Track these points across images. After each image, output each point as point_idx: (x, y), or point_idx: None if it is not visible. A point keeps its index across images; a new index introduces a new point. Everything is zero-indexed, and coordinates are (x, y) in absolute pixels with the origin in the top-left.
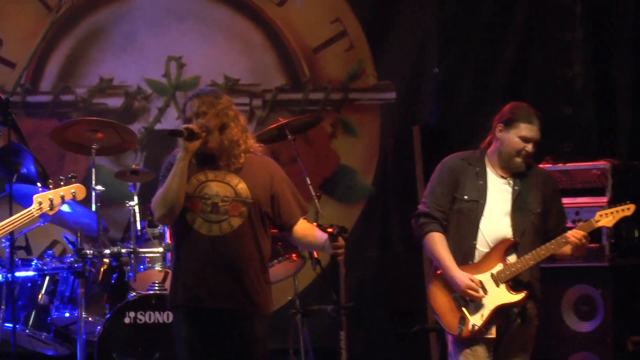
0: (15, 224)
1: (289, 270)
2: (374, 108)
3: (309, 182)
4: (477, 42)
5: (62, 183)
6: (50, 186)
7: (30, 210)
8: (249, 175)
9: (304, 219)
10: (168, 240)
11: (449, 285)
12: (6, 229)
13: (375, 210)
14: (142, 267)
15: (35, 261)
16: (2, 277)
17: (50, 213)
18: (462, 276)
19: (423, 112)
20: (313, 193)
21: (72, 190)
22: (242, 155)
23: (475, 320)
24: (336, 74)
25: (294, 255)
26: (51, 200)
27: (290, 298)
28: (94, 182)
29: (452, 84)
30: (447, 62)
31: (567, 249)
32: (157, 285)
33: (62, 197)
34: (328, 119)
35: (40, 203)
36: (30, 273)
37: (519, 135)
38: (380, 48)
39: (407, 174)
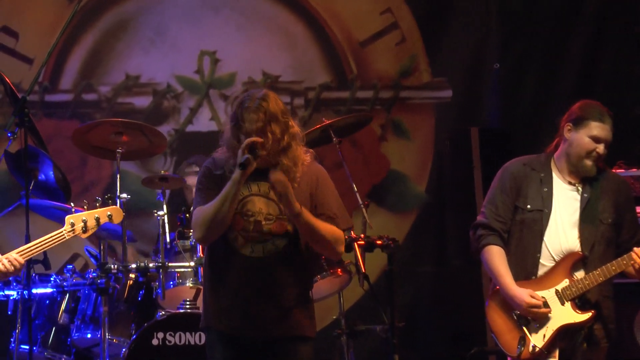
0: (43, 246)
1: (333, 286)
2: (428, 107)
3: (355, 189)
4: (542, 36)
5: (97, 204)
6: (85, 207)
7: (62, 232)
8: (295, 189)
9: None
10: (200, 254)
11: (507, 303)
12: (33, 250)
13: (429, 221)
14: (171, 283)
15: (54, 277)
16: (18, 294)
17: (83, 236)
18: (521, 293)
19: (482, 112)
20: (360, 201)
21: (109, 213)
22: (299, 172)
23: (537, 341)
24: (386, 70)
25: (339, 270)
26: (85, 223)
27: (335, 317)
28: (118, 190)
29: (515, 82)
30: (509, 57)
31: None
32: (188, 303)
33: (97, 220)
34: (377, 119)
35: (72, 225)
36: (49, 290)
37: (590, 134)
38: (435, 41)
39: (465, 180)
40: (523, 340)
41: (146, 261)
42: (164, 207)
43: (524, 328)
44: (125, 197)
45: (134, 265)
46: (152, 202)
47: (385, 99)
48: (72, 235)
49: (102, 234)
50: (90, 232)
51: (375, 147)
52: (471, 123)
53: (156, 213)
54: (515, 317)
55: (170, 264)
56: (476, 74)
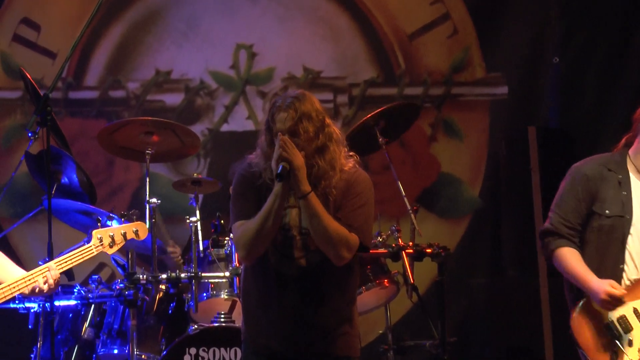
0: (72, 261)
1: (379, 298)
2: (482, 105)
3: (403, 193)
4: (606, 27)
5: (135, 217)
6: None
7: (90, 247)
8: (333, 195)
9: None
10: (236, 263)
11: (597, 314)
12: (62, 266)
13: (483, 227)
14: (204, 294)
15: (78, 288)
16: (39, 306)
17: (110, 252)
18: (601, 283)
19: (540, 110)
20: (409, 206)
21: (135, 229)
22: (336, 176)
23: (633, 354)
24: (437, 64)
25: (385, 280)
26: (112, 238)
27: (381, 332)
28: (148, 194)
29: (576, 77)
30: (570, 51)
31: None
32: (222, 316)
33: (124, 236)
34: (427, 118)
35: (100, 240)
36: (73, 302)
37: None
38: (490, 34)
39: (521, 184)
40: (616, 354)
41: (177, 271)
42: (197, 212)
43: (617, 342)
44: (155, 202)
45: (164, 276)
46: (184, 208)
47: (436, 96)
48: (100, 250)
49: (131, 245)
50: (116, 248)
51: (424, 148)
52: (529, 122)
53: (188, 219)
54: (606, 329)
55: (203, 274)
56: (534, 68)
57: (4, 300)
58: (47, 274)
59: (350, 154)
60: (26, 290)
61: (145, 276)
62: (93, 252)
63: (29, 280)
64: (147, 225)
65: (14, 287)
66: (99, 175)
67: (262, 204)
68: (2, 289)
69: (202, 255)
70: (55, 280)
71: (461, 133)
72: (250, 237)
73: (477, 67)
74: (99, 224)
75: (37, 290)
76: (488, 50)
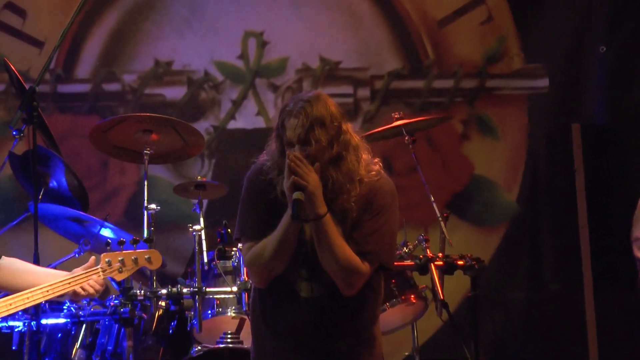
0: (78, 281)
1: (405, 316)
2: (520, 100)
3: (432, 198)
4: None
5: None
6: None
7: (98, 269)
8: (352, 211)
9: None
10: (244, 277)
11: None
12: (65, 286)
13: (521, 236)
14: (209, 312)
15: (67, 304)
16: (25, 325)
17: (118, 278)
18: None
19: (585, 104)
20: (438, 213)
21: (147, 256)
22: (355, 190)
23: None
24: (469, 54)
25: (412, 296)
26: (122, 262)
27: (407, 354)
28: (146, 200)
29: (625, 68)
30: (618, 39)
31: None
32: (229, 336)
33: (135, 262)
34: (458, 114)
35: (109, 263)
36: (62, 320)
37: None
38: (528, 20)
39: (564, 187)
40: None
41: (179, 286)
42: (201, 220)
43: None
44: (154, 208)
45: (164, 291)
46: (186, 215)
47: (468, 90)
48: (108, 275)
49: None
50: (126, 274)
51: (456, 148)
52: (572, 118)
53: (191, 228)
54: None
55: (208, 289)
56: (578, 58)
57: (48, 297)
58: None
59: (375, 160)
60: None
61: (142, 291)
62: (100, 276)
63: (80, 278)
64: (146, 235)
65: (60, 285)
66: (91, 179)
67: (276, 218)
68: (44, 288)
69: (206, 268)
70: (100, 284)
71: (496, 131)
72: (264, 263)
73: (514, 57)
74: (108, 247)
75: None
76: (527, 38)
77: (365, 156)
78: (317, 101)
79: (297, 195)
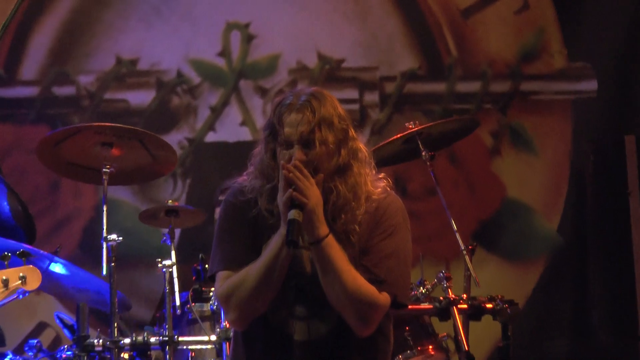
0: None
1: None
2: (563, 106)
3: (455, 227)
4: None
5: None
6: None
7: None
8: (357, 233)
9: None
10: (225, 324)
11: None
12: None
13: (563, 274)
14: None
15: (10, 357)
16: None
17: None
18: None
19: None
20: (462, 245)
21: (21, 274)
22: (361, 208)
23: None
24: (500, 50)
25: (430, 347)
26: (5, 283)
27: None
28: (105, 229)
29: None
30: None
31: None
32: None
33: (5, 283)
34: (487, 124)
35: None
36: None
37: None
38: (574, 10)
39: (616, 212)
40: None
41: (145, 334)
42: (173, 254)
43: None
44: (115, 240)
45: (127, 341)
46: (154, 247)
47: (499, 94)
48: None
49: (80, 297)
50: (8, 293)
51: (484, 165)
52: (625, 128)
53: (161, 263)
54: None
55: (181, 339)
56: (632, 57)
57: None
58: None
59: (380, 176)
60: None
61: (101, 341)
62: None
63: None
64: (105, 272)
65: None
66: (39, 203)
67: (258, 243)
68: None
69: (179, 312)
70: None
71: (534, 144)
72: (244, 297)
73: (555, 54)
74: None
75: None
76: (571, 32)
77: (371, 172)
78: (323, 97)
79: (293, 215)
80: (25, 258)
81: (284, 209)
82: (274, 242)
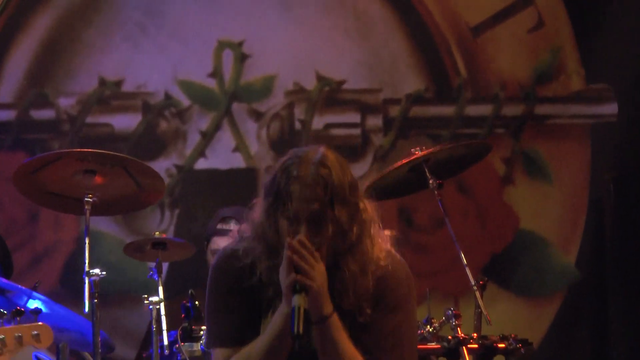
0: None
1: None
2: (580, 131)
3: (464, 261)
4: None
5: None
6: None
7: None
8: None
9: None
10: None
11: None
12: None
13: (582, 311)
14: None
15: None
16: None
17: None
18: None
19: None
20: (472, 280)
21: (35, 332)
22: (368, 283)
23: None
24: (513, 71)
25: None
26: (2, 341)
27: None
28: (87, 263)
29: None
30: None
31: None
32: None
33: (19, 340)
34: (499, 149)
35: None
36: None
37: None
38: (591, 29)
39: (639, 243)
40: None
41: None
42: (160, 290)
43: None
44: (98, 274)
45: None
46: (140, 282)
47: (512, 118)
48: None
49: (61, 336)
50: (7, 356)
51: (496, 194)
52: None
53: (147, 300)
54: None
55: None
56: None
57: None
58: None
59: (385, 235)
60: None
61: None
62: None
63: None
64: (87, 309)
65: None
66: (16, 235)
67: (255, 315)
68: None
69: (167, 352)
70: None
71: (549, 172)
72: None
73: (572, 75)
74: None
75: None
76: (589, 52)
77: (375, 230)
78: (334, 165)
79: (298, 302)
80: (37, 315)
81: (287, 291)
82: (276, 324)
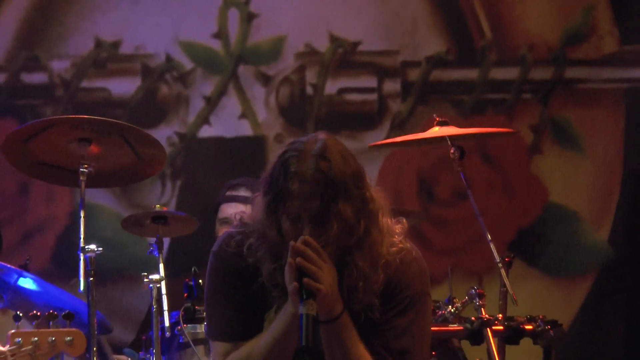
0: None
1: None
2: (614, 96)
3: (489, 237)
4: None
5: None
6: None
7: (4, 354)
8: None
9: None
10: None
11: None
12: None
13: (615, 291)
14: None
15: None
16: None
17: None
18: None
19: None
20: (497, 258)
21: (69, 338)
22: (378, 278)
23: None
24: (542, 32)
25: None
26: (35, 345)
27: None
28: (82, 238)
29: None
30: None
31: None
32: None
33: (52, 345)
34: (527, 117)
35: (19, 345)
36: None
37: None
38: None
39: None
40: None
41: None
42: (161, 267)
43: None
44: (93, 250)
45: None
46: (140, 259)
47: (541, 82)
48: None
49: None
50: None
51: (523, 165)
52: None
53: (147, 278)
54: None
55: None
56: None
57: None
58: None
59: (395, 226)
60: None
61: None
62: None
63: None
64: (82, 287)
65: None
66: (5, 209)
67: (259, 312)
68: None
69: (168, 334)
70: None
71: (580, 141)
72: None
73: (606, 36)
74: (18, 323)
75: None
76: (623, 10)
77: (385, 220)
78: (334, 156)
79: (307, 309)
80: (70, 320)
81: (293, 297)
82: (281, 324)
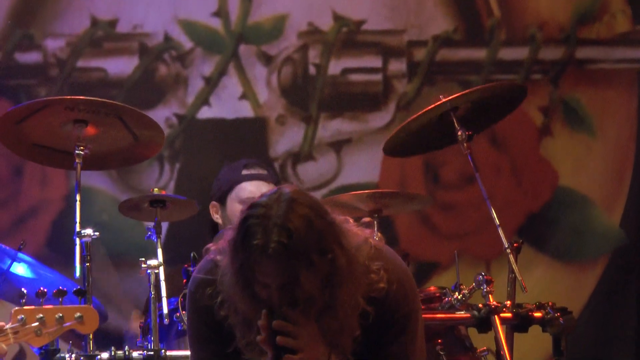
0: None
1: None
2: (627, 77)
3: (497, 221)
4: None
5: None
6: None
7: (6, 332)
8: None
9: None
10: None
11: None
12: None
13: (627, 277)
14: None
15: None
16: None
17: (36, 344)
18: None
19: None
20: (506, 243)
21: (78, 314)
22: (358, 307)
23: None
24: (552, 10)
25: None
26: (41, 322)
27: None
28: (78, 222)
29: None
30: None
31: None
32: None
33: (60, 321)
34: (536, 97)
35: (23, 322)
36: None
37: None
38: None
39: None
40: None
41: (127, 348)
42: (159, 252)
43: None
44: (89, 235)
45: (105, 355)
46: (137, 244)
47: (551, 63)
48: (23, 339)
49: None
50: (46, 339)
51: (532, 148)
52: None
53: (145, 263)
54: None
55: (169, 353)
56: None
57: None
58: None
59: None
60: None
61: (74, 356)
62: (9, 340)
63: None
64: (78, 273)
65: None
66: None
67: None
68: None
69: (166, 321)
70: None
71: (591, 122)
72: None
73: (617, 15)
74: (22, 300)
75: None
76: None
77: (362, 258)
78: (297, 222)
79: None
80: (81, 296)
81: None
82: None
